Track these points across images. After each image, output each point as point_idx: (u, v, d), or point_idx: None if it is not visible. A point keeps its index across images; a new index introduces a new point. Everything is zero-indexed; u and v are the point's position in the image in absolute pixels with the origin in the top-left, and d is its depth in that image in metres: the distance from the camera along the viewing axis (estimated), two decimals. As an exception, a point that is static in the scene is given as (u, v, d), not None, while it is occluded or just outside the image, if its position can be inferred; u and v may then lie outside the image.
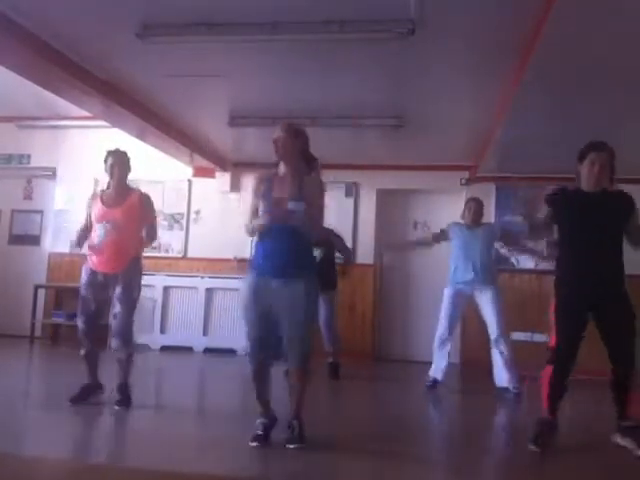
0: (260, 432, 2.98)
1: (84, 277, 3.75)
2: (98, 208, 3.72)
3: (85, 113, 5.58)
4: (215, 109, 5.23)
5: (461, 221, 4.97)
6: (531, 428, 3.15)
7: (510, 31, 3.35)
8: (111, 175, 3.76)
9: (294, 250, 2.93)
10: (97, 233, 3.68)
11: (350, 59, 3.97)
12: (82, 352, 3.72)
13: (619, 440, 3.15)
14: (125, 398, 3.64)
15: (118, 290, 3.65)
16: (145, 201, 3.79)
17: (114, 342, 3.68)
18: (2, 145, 7.39)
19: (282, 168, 3.04)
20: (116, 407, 3.58)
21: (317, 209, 3.01)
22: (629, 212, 3.19)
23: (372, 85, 4.46)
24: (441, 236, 5.06)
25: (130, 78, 4.52)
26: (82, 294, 3.74)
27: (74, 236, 3.83)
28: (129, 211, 3.70)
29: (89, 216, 3.79)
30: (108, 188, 3.81)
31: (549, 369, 3.14)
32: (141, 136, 5.87)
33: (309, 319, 2.98)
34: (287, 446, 2.83)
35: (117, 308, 3.65)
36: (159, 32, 3.60)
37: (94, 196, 3.85)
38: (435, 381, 4.75)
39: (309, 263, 3.06)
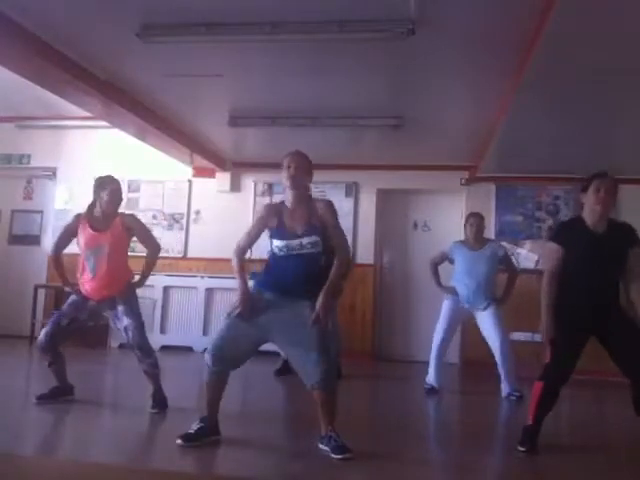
0: (191, 431, 2.95)
1: (75, 297, 3.76)
2: (87, 233, 3.71)
3: (85, 113, 5.57)
4: (215, 109, 5.23)
5: (461, 239, 4.85)
6: (520, 434, 3.15)
7: (510, 31, 3.35)
8: (110, 203, 3.72)
9: (305, 275, 2.92)
10: (88, 260, 3.69)
11: (350, 59, 3.97)
12: (46, 363, 3.77)
13: None
14: (160, 402, 3.68)
15: (120, 308, 3.68)
16: (126, 221, 3.78)
17: (136, 354, 3.72)
18: (2, 145, 7.39)
19: (289, 199, 2.99)
20: (152, 410, 3.63)
21: (338, 234, 3.01)
22: (632, 246, 3.08)
23: (372, 85, 4.46)
24: (443, 259, 4.89)
25: (130, 78, 4.51)
26: (62, 308, 3.78)
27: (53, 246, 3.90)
28: (116, 234, 3.71)
29: (68, 232, 3.81)
30: (91, 210, 3.78)
31: (540, 385, 3.10)
32: (141, 136, 5.87)
33: (321, 334, 2.89)
34: (333, 457, 2.79)
35: (125, 322, 3.68)
36: (159, 32, 3.60)
37: (81, 219, 3.77)
38: (432, 388, 4.72)
39: (319, 286, 2.94)
